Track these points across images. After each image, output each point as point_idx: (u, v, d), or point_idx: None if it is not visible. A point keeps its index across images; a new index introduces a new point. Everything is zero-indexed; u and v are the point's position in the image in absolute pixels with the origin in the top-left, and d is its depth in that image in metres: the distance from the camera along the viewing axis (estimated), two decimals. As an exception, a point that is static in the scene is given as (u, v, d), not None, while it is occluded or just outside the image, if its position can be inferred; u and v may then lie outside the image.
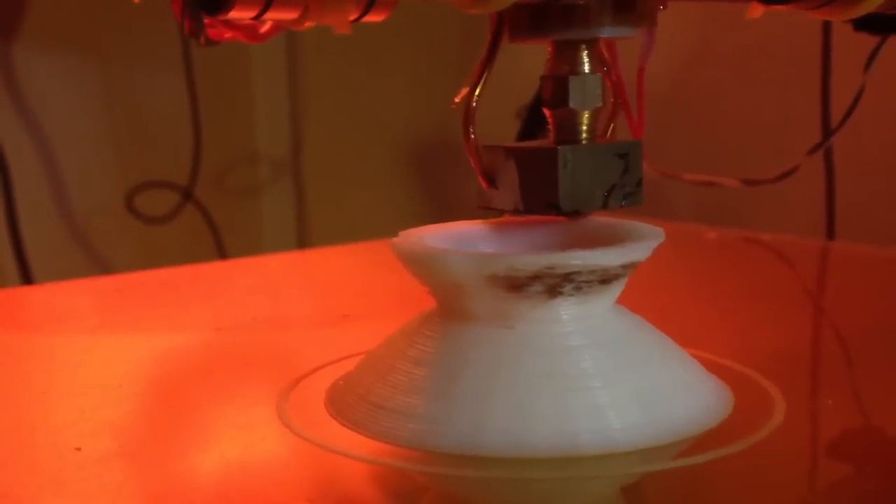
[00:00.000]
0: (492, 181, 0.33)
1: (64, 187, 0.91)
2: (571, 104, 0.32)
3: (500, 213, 0.34)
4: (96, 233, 0.93)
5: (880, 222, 0.72)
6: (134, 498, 0.28)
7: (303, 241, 1.07)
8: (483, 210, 0.34)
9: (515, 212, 0.33)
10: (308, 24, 0.32)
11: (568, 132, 0.33)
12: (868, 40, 0.58)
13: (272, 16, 0.32)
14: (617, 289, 0.32)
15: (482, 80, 0.32)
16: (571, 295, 0.30)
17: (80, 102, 0.91)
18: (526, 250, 0.34)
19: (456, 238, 0.33)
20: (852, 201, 0.72)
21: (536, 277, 0.30)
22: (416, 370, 0.31)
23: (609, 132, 0.35)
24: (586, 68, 0.32)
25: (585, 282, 0.30)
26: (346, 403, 0.32)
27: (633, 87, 0.35)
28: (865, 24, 0.53)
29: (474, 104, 0.32)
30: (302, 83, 1.04)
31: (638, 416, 0.30)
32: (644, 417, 0.30)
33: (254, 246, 1.03)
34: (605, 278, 0.30)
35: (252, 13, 0.31)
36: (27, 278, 0.84)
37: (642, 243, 0.31)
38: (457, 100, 0.32)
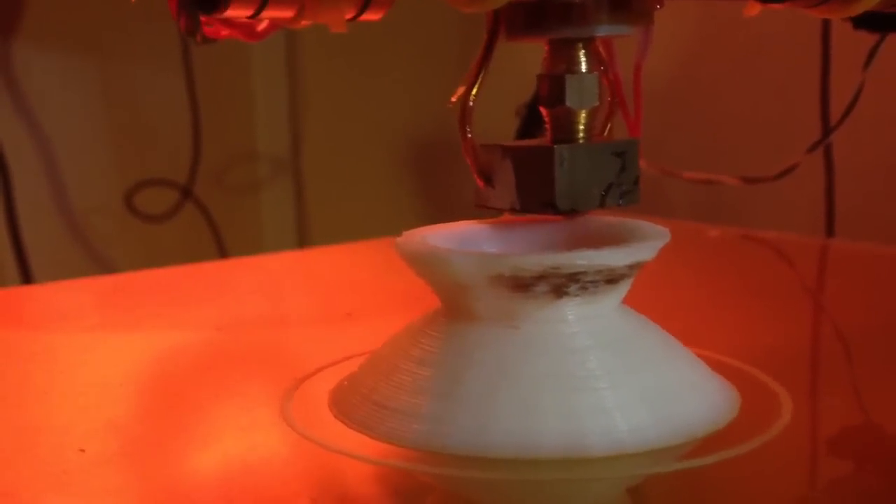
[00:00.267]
0: (488, 180, 0.33)
1: (63, 186, 0.91)
2: (568, 103, 0.32)
3: (499, 212, 0.34)
4: (96, 231, 0.93)
5: (880, 220, 0.72)
6: (139, 499, 0.28)
7: (302, 239, 1.07)
8: (480, 209, 0.34)
9: (512, 211, 0.33)
10: (304, 22, 0.32)
11: (565, 131, 0.33)
12: (867, 38, 0.58)
13: (268, 14, 0.32)
14: (623, 289, 0.32)
15: (479, 80, 0.32)
16: (577, 295, 0.30)
17: (80, 101, 0.91)
18: (530, 250, 0.33)
19: (460, 238, 0.33)
20: (852, 199, 0.72)
21: (542, 277, 0.29)
22: (421, 370, 0.31)
23: (606, 131, 0.35)
24: (583, 67, 0.32)
25: (591, 282, 0.30)
26: (350, 404, 0.32)
27: (630, 85, 0.35)
28: (865, 21, 0.53)
29: (471, 103, 0.32)
30: (301, 81, 1.04)
31: (645, 417, 0.29)
32: (651, 418, 0.29)
33: (254, 244, 1.03)
34: (611, 278, 0.30)
35: (248, 12, 0.31)
36: (26, 276, 0.84)
37: (649, 243, 0.31)
38: (453, 99, 0.32)
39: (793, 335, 0.43)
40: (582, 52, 0.32)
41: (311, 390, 0.35)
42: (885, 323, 0.45)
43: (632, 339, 0.32)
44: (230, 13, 0.31)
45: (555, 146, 0.31)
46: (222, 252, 0.97)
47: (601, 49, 0.34)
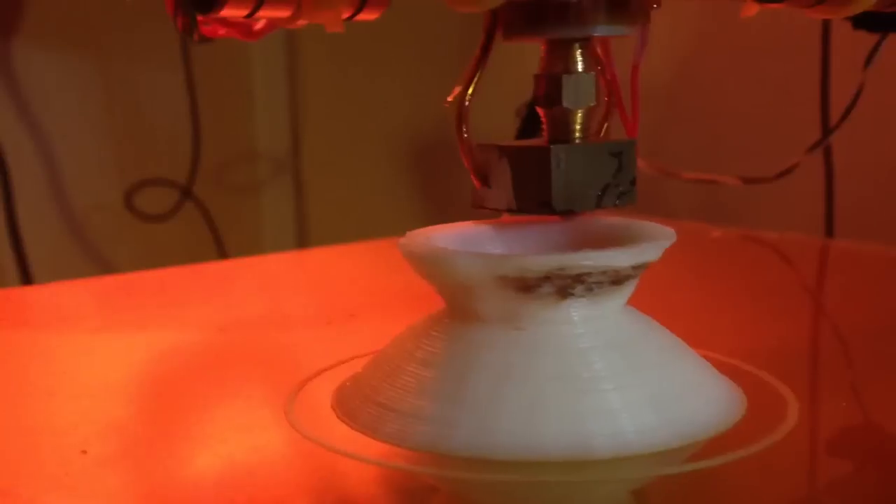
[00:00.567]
0: (485, 180, 0.33)
1: (63, 185, 0.91)
2: (565, 103, 0.32)
3: (497, 212, 0.34)
4: (95, 230, 0.93)
5: (880, 220, 0.72)
6: (141, 501, 0.28)
7: (302, 238, 1.07)
8: (478, 209, 0.34)
9: (509, 211, 0.33)
10: (301, 22, 0.32)
11: (561, 131, 0.32)
12: (867, 38, 0.58)
13: (264, 14, 0.31)
14: (628, 290, 0.31)
15: (475, 80, 0.32)
16: (582, 296, 0.30)
17: (80, 100, 0.91)
18: (535, 251, 0.33)
19: (463, 238, 0.33)
20: (851, 199, 0.72)
21: (547, 278, 0.29)
22: (425, 372, 0.31)
23: (603, 131, 0.35)
24: (580, 67, 0.32)
25: (596, 283, 0.30)
26: (353, 405, 0.32)
27: (627, 85, 0.34)
28: (864, 21, 0.53)
29: (467, 103, 0.32)
30: (301, 81, 1.04)
31: (651, 419, 0.29)
32: (657, 420, 0.29)
33: (253, 244, 1.03)
34: (616, 279, 0.30)
35: (244, 11, 0.31)
36: (26, 276, 0.84)
37: (654, 244, 0.31)
38: (449, 99, 0.32)
39: (794, 336, 0.43)
40: (579, 52, 0.32)
41: (315, 391, 0.35)
42: (885, 323, 0.45)
43: (637, 341, 0.31)
44: (226, 13, 0.31)
45: (551, 146, 0.31)
46: (222, 251, 0.97)
47: (598, 49, 0.34)
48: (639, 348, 0.31)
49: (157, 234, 0.94)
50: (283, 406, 0.33)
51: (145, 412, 0.35)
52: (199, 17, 0.32)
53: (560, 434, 0.28)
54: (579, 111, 0.32)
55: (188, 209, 0.96)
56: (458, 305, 0.31)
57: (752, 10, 0.33)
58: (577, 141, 0.32)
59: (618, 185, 0.32)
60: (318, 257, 0.70)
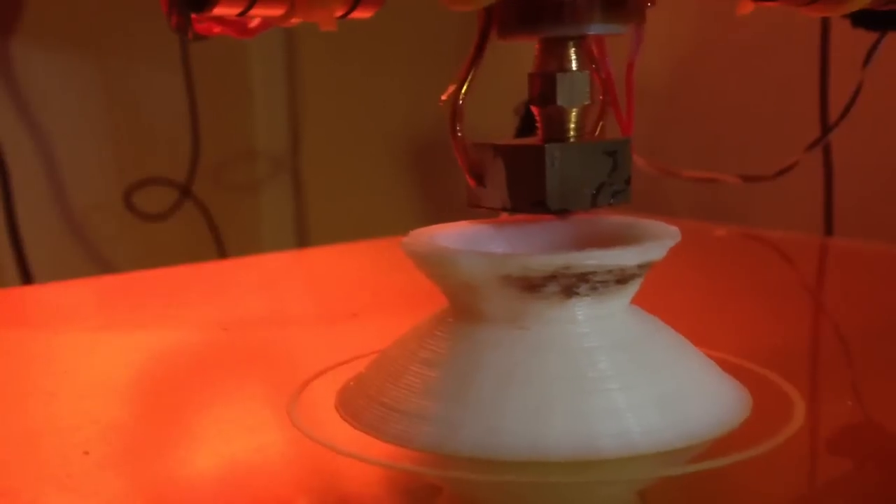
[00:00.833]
0: (480, 179, 0.33)
1: (62, 184, 0.91)
2: (559, 102, 0.32)
3: (492, 211, 0.34)
4: (95, 230, 0.93)
5: (879, 218, 0.72)
6: (144, 502, 0.28)
7: (302, 237, 1.07)
8: (473, 208, 0.34)
9: (503, 210, 0.33)
10: (295, 20, 0.32)
11: (556, 130, 0.32)
12: (867, 36, 0.58)
13: (257, 12, 0.31)
14: (632, 289, 0.31)
15: (469, 78, 0.32)
16: (587, 295, 0.30)
17: (79, 99, 0.91)
18: (539, 250, 0.33)
19: (467, 237, 0.33)
20: (851, 197, 0.72)
21: (552, 277, 0.29)
22: (430, 372, 0.30)
23: (598, 130, 0.34)
24: (574, 65, 0.32)
25: (601, 282, 0.30)
26: (357, 405, 0.32)
27: (623, 84, 0.34)
28: (863, 20, 0.52)
29: (461, 102, 0.32)
30: (300, 79, 1.04)
31: (657, 419, 0.29)
32: (663, 420, 0.29)
33: (253, 243, 1.03)
34: (621, 278, 0.30)
35: (237, 10, 0.31)
36: (26, 275, 0.84)
37: (659, 242, 0.31)
38: (443, 98, 0.32)
39: (795, 334, 0.43)
40: (573, 51, 0.32)
41: (318, 391, 0.34)
42: (886, 321, 0.45)
43: (642, 340, 0.31)
44: (219, 11, 0.31)
45: (546, 145, 0.31)
46: (221, 250, 0.97)
47: (594, 48, 0.34)
48: (644, 348, 0.31)
49: (157, 233, 0.94)
50: (285, 406, 0.33)
51: (147, 412, 0.35)
52: (193, 16, 0.32)
53: (566, 434, 0.28)
54: (574, 110, 0.32)
55: (187, 208, 0.96)
56: (462, 305, 0.31)
57: (748, 7, 0.33)
58: (571, 140, 0.32)
59: (612, 183, 0.32)
60: (319, 256, 0.70)
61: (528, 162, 0.31)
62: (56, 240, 0.91)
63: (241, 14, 0.31)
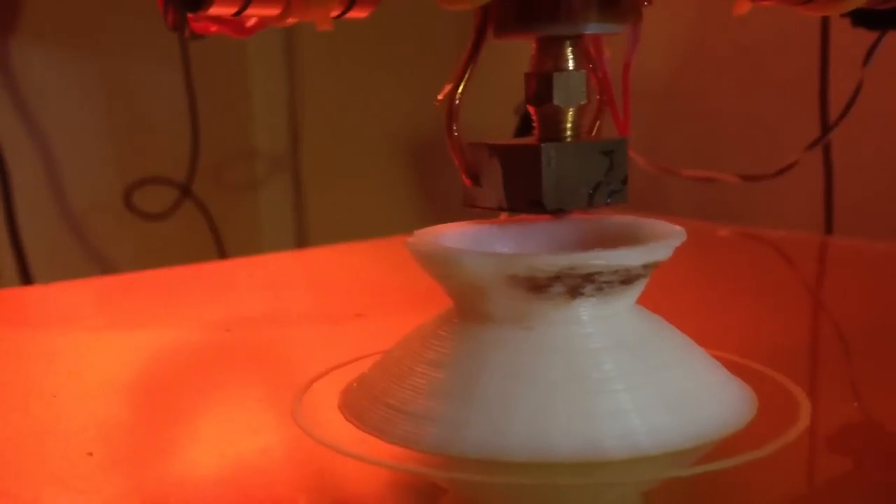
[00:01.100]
0: (476, 179, 0.33)
1: (62, 183, 0.91)
2: (556, 101, 0.32)
3: (489, 211, 0.34)
4: (94, 229, 0.93)
5: (879, 217, 0.71)
6: (147, 503, 0.27)
7: (301, 236, 1.07)
8: (469, 208, 0.34)
9: (500, 210, 0.32)
10: (291, 20, 0.32)
11: (552, 129, 0.32)
12: (867, 35, 0.58)
13: (253, 12, 0.31)
14: (638, 289, 0.31)
15: (465, 78, 0.32)
16: (592, 295, 0.30)
17: (78, 98, 0.91)
18: (543, 250, 0.33)
19: (471, 237, 0.33)
20: (851, 196, 0.72)
21: (557, 278, 0.29)
22: (435, 373, 0.30)
23: (595, 130, 0.34)
24: (570, 65, 0.32)
25: (607, 282, 0.30)
26: (362, 406, 0.31)
27: (620, 83, 0.34)
28: (863, 19, 0.52)
29: (458, 101, 0.32)
30: (299, 79, 1.04)
31: (663, 420, 0.29)
32: (669, 421, 0.29)
33: (252, 242, 1.03)
34: (626, 279, 0.30)
35: (232, 9, 0.31)
36: (25, 274, 0.84)
37: (664, 242, 0.30)
38: (440, 97, 0.32)
39: (797, 334, 0.43)
40: (570, 50, 0.32)
41: (322, 392, 0.34)
42: (887, 320, 0.45)
43: (648, 340, 0.31)
44: (214, 11, 0.31)
45: (542, 145, 0.31)
46: (221, 250, 0.97)
47: (591, 47, 0.34)
48: (649, 348, 0.31)
49: (157, 232, 0.94)
50: (289, 407, 0.33)
51: (150, 414, 0.35)
52: (189, 15, 0.32)
53: (571, 435, 0.28)
54: (570, 109, 0.32)
55: (187, 207, 0.96)
56: (467, 305, 0.31)
57: (744, 7, 0.33)
58: (568, 139, 0.32)
59: (609, 183, 0.32)
60: (320, 256, 0.70)
61: (524, 161, 0.31)
62: (56, 239, 0.91)
63: (237, 14, 0.31)
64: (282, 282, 0.59)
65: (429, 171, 1.04)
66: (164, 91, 0.94)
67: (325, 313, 0.49)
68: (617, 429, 0.28)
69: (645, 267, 0.30)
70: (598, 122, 0.34)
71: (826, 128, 0.69)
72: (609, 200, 0.32)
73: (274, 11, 0.32)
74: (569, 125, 0.32)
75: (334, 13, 0.32)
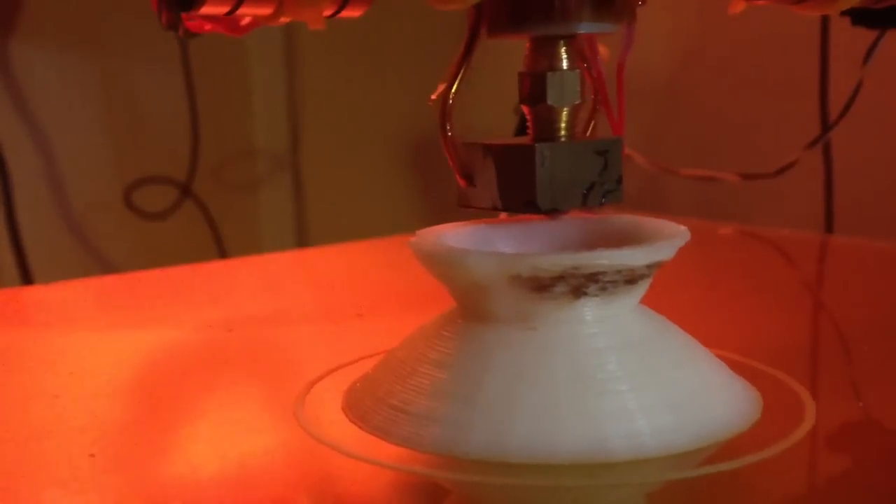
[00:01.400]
0: (470, 179, 0.33)
1: (62, 183, 0.91)
2: (549, 101, 0.32)
3: (483, 211, 0.33)
4: (95, 228, 0.93)
5: (879, 216, 0.71)
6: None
7: (301, 235, 1.07)
8: (464, 208, 0.34)
9: (494, 210, 0.32)
10: (284, 19, 0.32)
11: (546, 129, 0.32)
12: (866, 34, 0.58)
13: (245, 11, 0.31)
14: (641, 289, 0.31)
15: (459, 77, 0.32)
16: (596, 295, 0.30)
17: (78, 98, 0.91)
18: (547, 249, 0.33)
19: (475, 237, 0.33)
20: (851, 195, 0.72)
21: (561, 278, 0.29)
22: (438, 373, 0.30)
23: (590, 130, 0.34)
24: (564, 64, 0.32)
25: (611, 282, 0.29)
26: (365, 407, 0.31)
27: (615, 83, 0.34)
28: (863, 18, 0.52)
29: (451, 101, 0.32)
30: (300, 78, 1.04)
31: (668, 420, 0.29)
32: (674, 421, 0.29)
33: (252, 241, 1.03)
34: (630, 278, 0.30)
35: (224, 9, 0.31)
36: (25, 273, 0.84)
37: (669, 242, 0.30)
38: (433, 97, 0.32)
39: (798, 333, 0.43)
40: (563, 50, 0.32)
41: (325, 392, 0.34)
42: (888, 319, 0.44)
43: (651, 340, 0.31)
44: (206, 10, 0.30)
45: (536, 144, 0.31)
46: (221, 249, 0.97)
47: (585, 47, 0.33)
48: (653, 348, 0.31)
49: (157, 231, 0.94)
50: (292, 407, 0.33)
51: (152, 414, 0.34)
52: (183, 14, 0.32)
53: (576, 436, 0.28)
54: (564, 109, 0.32)
55: (187, 207, 0.96)
56: (471, 305, 0.31)
57: (739, 6, 0.32)
58: (562, 139, 0.32)
59: (603, 183, 0.32)
60: (321, 256, 0.70)
61: (518, 161, 0.31)
62: (56, 239, 0.91)
63: (229, 13, 0.31)
64: (282, 282, 0.59)
65: (429, 171, 1.04)
66: (164, 90, 0.94)
67: (325, 313, 0.49)
68: (622, 429, 0.28)
69: (649, 267, 0.30)
70: (592, 122, 0.34)
71: (826, 127, 0.68)
72: (604, 201, 0.32)
73: (266, 11, 0.31)
74: (563, 125, 0.32)
75: (327, 13, 0.32)
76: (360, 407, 0.32)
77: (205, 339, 0.44)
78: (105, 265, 0.93)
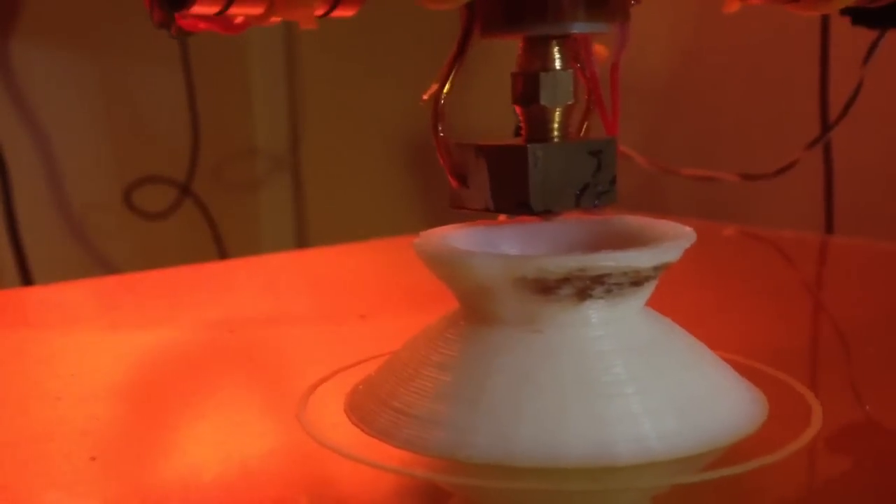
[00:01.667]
0: (462, 180, 0.32)
1: (62, 183, 0.91)
2: (542, 101, 0.31)
3: (476, 213, 0.33)
4: (94, 228, 0.93)
5: (879, 216, 0.71)
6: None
7: (301, 235, 1.07)
8: (456, 209, 0.34)
9: (486, 211, 0.32)
10: (275, 18, 0.32)
11: (539, 130, 0.32)
12: (867, 34, 0.57)
13: (236, 11, 0.31)
14: (647, 291, 0.31)
15: (451, 77, 0.32)
16: (601, 297, 0.29)
17: (78, 98, 0.91)
18: (551, 251, 0.33)
19: (479, 238, 0.33)
20: (851, 195, 0.72)
21: (566, 280, 0.29)
22: (442, 376, 0.30)
23: (583, 130, 0.34)
24: (557, 64, 0.32)
25: (616, 284, 0.29)
26: (368, 410, 0.31)
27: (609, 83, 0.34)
28: (863, 17, 0.52)
29: (443, 101, 0.32)
30: (300, 77, 1.04)
31: (674, 424, 0.29)
32: (680, 425, 0.29)
33: (252, 241, 1.03)
34: (636, 280, 0.30)
35: (215, 8, 0.31)
36: (25, 273, 0.84)
37: (675, 244, 0.30)
38: (425, 97, 0.32)
39: (801, 334, 0.43)
40: (556, 50, 0.32)
41: (327, 395, 0.34)
42: (889, 319, 0.44)
43: (657, 343, 0.31)
44: (197, 9, 0.30)
45: (528, 145, 0.31)
46: (221, 249, 0.97)
47: (580, 47, 0.33)
48: (659, 351, 0.30)
49: (157, 231, 0.94)
50: (294, 410, 0.32)
51: (154, 416, 0.34)
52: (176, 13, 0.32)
53: (582, 440, 0.28)
54: (557, 109, 0.32)
55: (187, 207, 0.96)
56: (475, 307, 0.31)
57: (734, 6, 0.32)
58: (555, 140, 0.32)
59: (597, 184, 0.32)
60: (321, 257, 0.70)
61: (511, 162, 0.31)
62: (56, 239, 0.91)
63: (220, 13, 0.31)
64: (282, 282, 0.59)
65: (429, 171, 1.04)
66: (164, 90, 0.94)
67: (326, 314, 0.49)
68: (628, 433, 0.28)
69: (655, 269, 0.30)
70: (586, 123, 0.34)
71: (826, 127, 0.68)
72: (598, 202, 0.32)
73: (257, 10, 0.31)
74: (556, 125, 0.32)
75: (319, 13, 0.32)
76: (362, 409, 0.31)
77: (205, 339, 0.44)
78: (105, 265, 0.93)
